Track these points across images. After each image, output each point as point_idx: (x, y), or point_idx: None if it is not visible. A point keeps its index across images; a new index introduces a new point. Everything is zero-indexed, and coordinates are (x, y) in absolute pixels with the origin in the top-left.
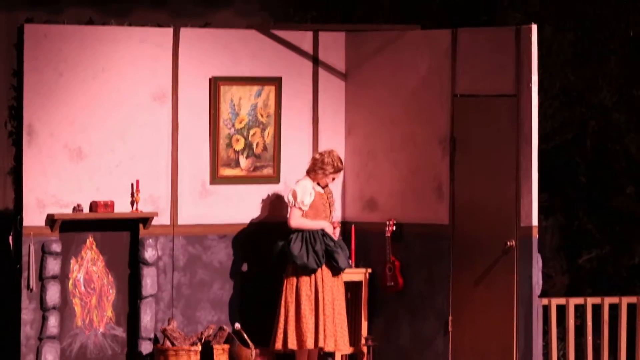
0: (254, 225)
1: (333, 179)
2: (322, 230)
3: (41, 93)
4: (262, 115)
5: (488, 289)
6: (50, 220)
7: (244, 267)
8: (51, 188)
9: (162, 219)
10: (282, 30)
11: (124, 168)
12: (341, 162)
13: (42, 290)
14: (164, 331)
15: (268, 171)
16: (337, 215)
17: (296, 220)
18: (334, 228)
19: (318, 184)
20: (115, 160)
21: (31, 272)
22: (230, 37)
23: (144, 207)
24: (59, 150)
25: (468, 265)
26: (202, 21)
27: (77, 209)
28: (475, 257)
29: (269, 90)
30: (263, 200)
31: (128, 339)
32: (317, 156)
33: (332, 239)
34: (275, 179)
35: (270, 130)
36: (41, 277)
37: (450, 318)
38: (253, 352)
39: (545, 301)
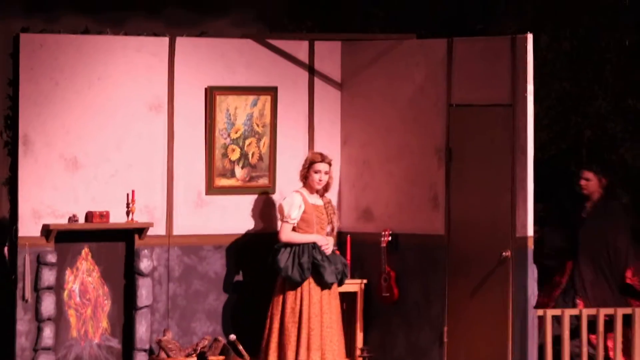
0: (249, 236)
1: (320, 180)
2: (314, 243)
3: (37, 103)
4: (257, 125)
5: (483, 300)
6: (46, 230)
7: (240, 278)
8: (47, 198)
9: (158, 229)
10: (277, 40)
11: (120, 178)
12: (316, 154)
13: (37, 301)
14: (159, 342)
15: (264, 181)
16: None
17: (286, 234)
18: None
19: (320, 195)
20: (111, 170)
21: (26, 283)
22: (226, 47)
23: (139, 218)
24: (54, 160)
25: (463, 275)
26: (197, 30)
27: (73, 219)
28: (470, 268)
29: (265, 100)
30: (259, 211)
31: (123, 350)
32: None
33: (321, 253)
34: (271, 189)
35: (265, 140)
36: (36, 288)
37: (445, 328)
38: None
39: (540, 312)
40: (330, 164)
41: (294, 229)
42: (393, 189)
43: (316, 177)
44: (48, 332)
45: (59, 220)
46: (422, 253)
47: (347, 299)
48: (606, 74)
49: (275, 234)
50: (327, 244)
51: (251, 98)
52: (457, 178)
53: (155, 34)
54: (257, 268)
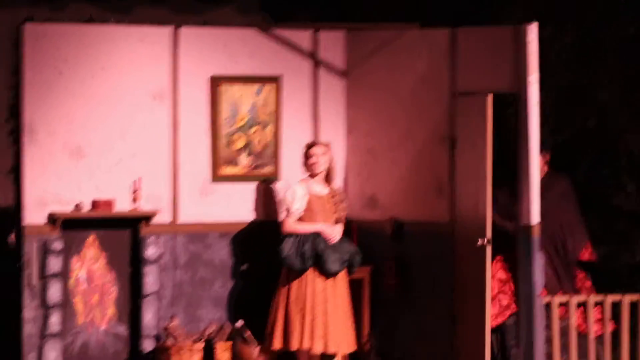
0: (255, 223)
1: (315, 163)
2: (318, 233)
3: (41, 92)
4: (262, 114)
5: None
6: (51, 218)
7: (245, 265)
8: (52, 186)
9: (163, 217)
10: (281, 29)
11: (124, 166)
12: (312, 143)
13: (44, 288)
14: (166, 329)
15: (269, 169)
16: None
17: (288, 226)
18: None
19: (327, 183)
20: (116, 159)
21: (33, 271)
22: (230, 36)
23: (144, 206)
24: (59, 148)
25: (469, 262)
26: (202, 18)
27: (79, 207)
28: (476, 255)
29: (269, 89)
30: (264, 199)
31: (130, 337)
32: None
33: (324, 241)
34: (275, 177)
35: (270, 128)
36: (43, 275)
37: (453, 315)
38: (255, 349)
39: (547, 299)
40: (326, 148)
41: (300, 219)
42: (397, 177)
43: (311, 160)
44: (55, 319)
45: (65, 207)
46: (428, 240)
47: (354, 287)
48: (611, 64)
49: (280, 221)
50: (332, 233)
51: (255, 87)
52: (461, 166)
53: (159, 23)
54: (263, 255)
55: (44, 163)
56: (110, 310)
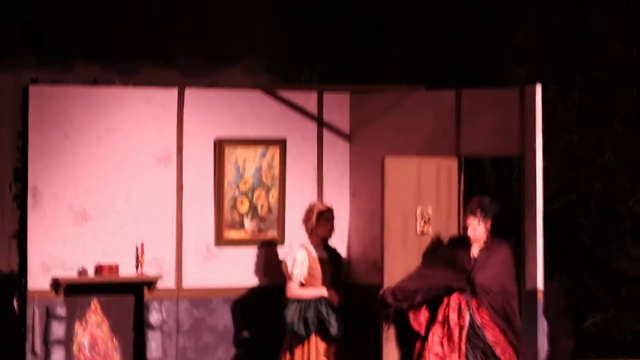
0: (259, 288)
1: (330, 230)
2: (321, 297)
3: (46, 154)
4: (266, 177)
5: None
6: (55, 283)
7: (249, 331)
8: (56, 251)
9: (167, 282)
10: (287, 91)
11: (129, 230)
12: (319, 203)
13: (47, 354)
14: None
15: (273, 233)
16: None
17: (291, 292)
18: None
19: (325, 245)
20: (120, 222)
21: (36, 336)
22: (235, 98)
23: (148, 270)
24: (63, 212)
25: None
26: (208, 79)
27: (82, 272)
28: None
29: (274, 152)
30: (268, 263)
31: None
32: (304, 216)
33: (327, 306)
34: (280, 241)
35: (274, 192)
36: (46, 341)
37: None
38: None
39: None
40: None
41: (302, 284)
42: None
43: (328, 225)
44: None
45: (68, 272)
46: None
47: (357, 351)
48: (615, 126)
49: (285, 286)
50: (335, 297)
51: (260, 150)
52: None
53: (166, 83)
54: (267, 321)
55: (48, 227)
56: None
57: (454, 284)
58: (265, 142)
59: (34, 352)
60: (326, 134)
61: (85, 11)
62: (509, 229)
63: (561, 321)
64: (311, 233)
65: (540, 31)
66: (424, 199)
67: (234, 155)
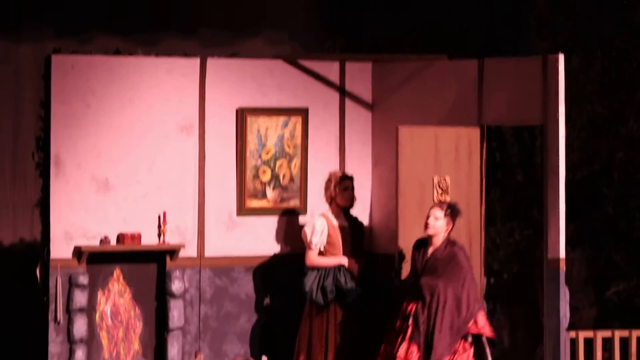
0: (281, 257)
1: (349, 199)
2: (340, 266)
3: (68, 124)
4: (288, 146)
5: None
6: (78, 252)
7: (271, 299)
8: (78, 220)
9: (189, 250)
10: (309, 60)
11: (151, 199)
12: (338, 172)
13: (69, 322)
14: None
15: (295, 202)
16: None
17: (310, 260)
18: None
19: (346, 214)
20: (142, 191)
21: (58, 305)
22: (257, 68)
23: (170, 239)
24: (86, 181)
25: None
26: (230, 50)
27: (104, 241)
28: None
29: (296, 121)
30: (290, 232)
31: None
32: (325, 185)
33: (346, 275)
34: (302, 210)
35: (296, 161)
36: (68, 310)
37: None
38: None
39: (572, 334)
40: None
41: (322, 253)
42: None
43: (347, 194)
44: (80, 354)
45: (91, 241)
46: None
47: (376, 320)
48: (638, 95)
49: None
50: (354, 266)
51: (282, 119)
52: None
53: (187, 54)
54: (289, 289)
55: (70, 196)
56: (135, 345)
57: (410, 290)
58: (287, 112)
59: (56, 321)
60: (348, 103)
61: None
62: (531, 199)
63: (583, 290)
64: (331, 202)
65: (563, 0)
66: (441, 168)
67: (256, 125)
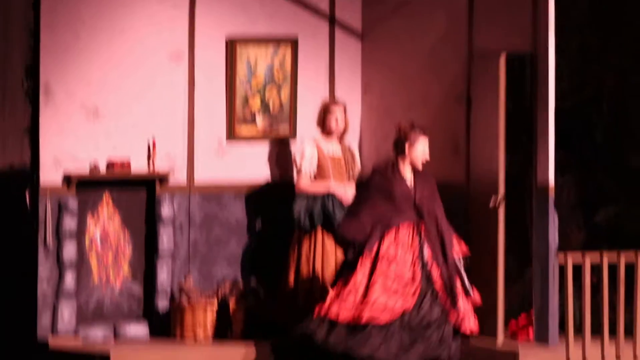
0: (270, 183)
1: (335, 120)
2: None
3: (58, 53)
4: (278, 75)
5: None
6: (67, 178)
7: (260, 225)
8: (68, 146)
9: (179, 177)
10: None
11: (141, 127)
12: (328, 99)
13: (59, 247)
14: (180, 287)
15: (284, 129)
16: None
17: (299, 185)
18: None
19: (339, 141)
20: (132, 119)
21: (48, 229)
22: None
23: (160, 165)
24: (75, 109)
25: (484, 223)
26: None
27: (94, 167)
28: (491, 215)
29: (285, 50)
30: (279, 159)
31: (145, 296)
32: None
33: (334, 202)
34: (291, 137)
35: (286, 89)
36: (58, 234)
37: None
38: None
39: (561, 259)
40: (344, 108)
41: (314, 178)
42: None
43: (331, 117)
44: (70, 278)
45: (80, 167)
46: (443, 201)
47: None
48: (629, 24)
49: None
50: (344, 193)
51: (271, 48)
52: (478, 126)
53: None
54: (278, 215)
55: (60, 123)
56: (125, 269)
57: (403, 214)
58: (277, 41)
59: (46, 245)
60: (338, 33)
61: None
62: (521, 126)
63: (572, 214)
64: (322, 127)
65: None
66: None
67: (245, 54)
